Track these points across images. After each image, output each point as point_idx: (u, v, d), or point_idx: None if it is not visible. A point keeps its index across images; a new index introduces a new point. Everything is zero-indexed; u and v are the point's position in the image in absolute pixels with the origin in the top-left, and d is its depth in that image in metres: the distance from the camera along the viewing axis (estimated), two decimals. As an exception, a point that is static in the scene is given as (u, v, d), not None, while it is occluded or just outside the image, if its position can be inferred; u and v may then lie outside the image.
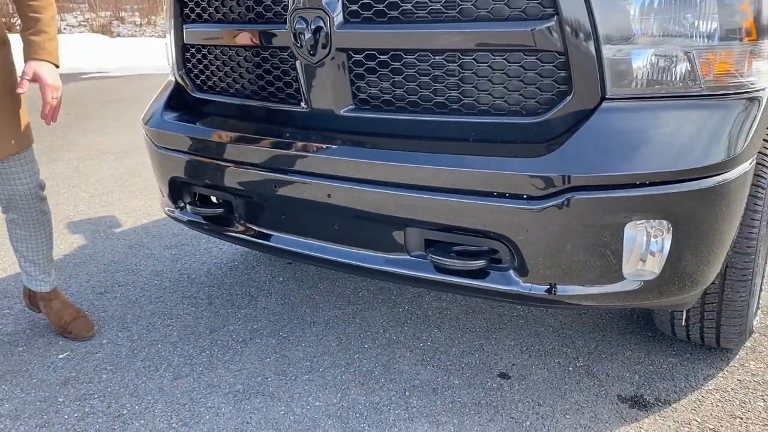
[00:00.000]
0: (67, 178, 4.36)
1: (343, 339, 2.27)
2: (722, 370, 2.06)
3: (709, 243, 1.61)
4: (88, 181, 4.29)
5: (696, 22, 1.50)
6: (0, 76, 1.98)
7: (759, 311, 2.25)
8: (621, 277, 1.57)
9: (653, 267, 1.56)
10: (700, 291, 1.73)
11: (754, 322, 2.13)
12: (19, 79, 1.97)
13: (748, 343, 2.21)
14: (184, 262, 2.97)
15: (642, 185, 1.49)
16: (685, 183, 1.51)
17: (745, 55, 1.55)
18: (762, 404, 1.89)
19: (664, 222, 1.52)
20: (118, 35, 18.39)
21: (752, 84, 1.59)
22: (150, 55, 11.55)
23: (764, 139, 1.77)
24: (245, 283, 2.74)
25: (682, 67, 1.52)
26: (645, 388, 1.97)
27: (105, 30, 18.97)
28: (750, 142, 1.59)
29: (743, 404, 1.88)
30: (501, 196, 1.54)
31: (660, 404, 1.89)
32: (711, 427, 1.79)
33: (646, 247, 1.54)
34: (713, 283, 1.84)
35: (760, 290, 2.32)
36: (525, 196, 1.52)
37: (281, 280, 2.76)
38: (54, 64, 2.00)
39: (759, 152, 1.75)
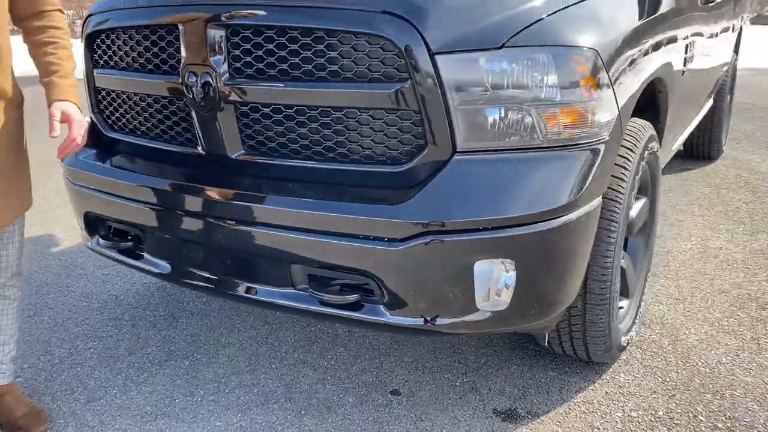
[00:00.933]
0: (9, 196, 4.43)
1: (253, 360, 2.44)
2: (594, 383, 2.27)
3: (556, 276, 1.81)
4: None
5: (538, 83, 1.69)
6: (14, 138, 1.89)
7: (634, 327, 2.46)
8: (476, 309, 1.76)
9: (503, 299, 1.75)
10: (556, 316, 1.93)
11: (626, 338, 2.34)
12: (49, 122, 1.82)
13: (623, 356, 2.43)
14: (114, 283, 3.11)
15: (488, 229, 1.68)
16: (528, 226, 1.70)
17: (583, 111, 1.75)
18: (620, 414, 2.10)
19: (510, 261, 1.71)
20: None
21: (591, 135, 1.78)
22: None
23: (617, 177, 1.98)
24: (170, 304, 2.88)
25: (526, 124, 1.71)
26: (520, 402, 2.17)
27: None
28: (591, 186, 1.79)
29: (604, 415, 2.09)
30: (366, 238, 1.72)
31: (530, 417, 2.09)
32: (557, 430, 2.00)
33: (494, 282, 1.73)
34: (575, 306, 2.04)
35: (639, 305, 2.54)
36: (386, 239, 1.70)
37: (204, 300, 2.91)
38: (77, 105, 1.93)
39: (610, 189, 1.95)
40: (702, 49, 3.24)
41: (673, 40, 2.39)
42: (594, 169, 1.79)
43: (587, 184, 1.77)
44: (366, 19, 1.66)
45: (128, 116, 2.23)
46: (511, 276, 1.72)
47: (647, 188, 2.47)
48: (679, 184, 4.69)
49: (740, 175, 4.89)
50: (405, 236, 1.68)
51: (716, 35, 3.70)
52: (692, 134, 5.18)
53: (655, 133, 2.31)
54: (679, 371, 2.33)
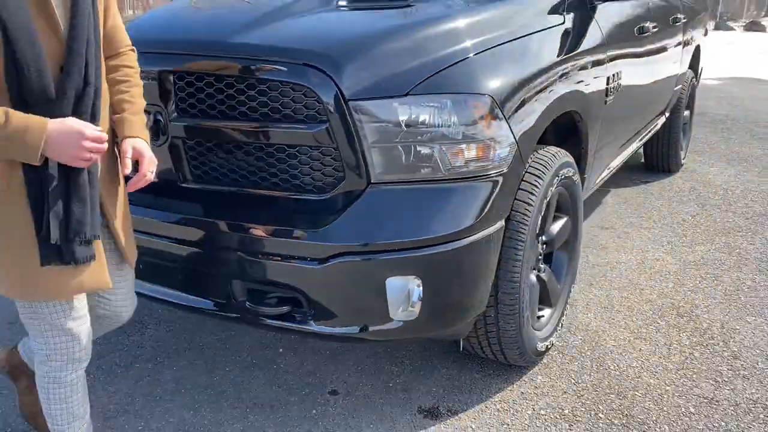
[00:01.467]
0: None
1: (210, 363, 2.70)
2: (513, 384, 2.53)
3: (461, 289, 2.07)
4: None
5: (437, 125, 1.96)
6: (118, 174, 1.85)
7: (556, 333, 2.71)
8: (390, 319, 2.03)
9: (414, 310, 2.01)
10: (466, 324, 2.20)
11: (544, 344, 2.59)
12: (121, 159, 1.78)
13: (546, 359, 2.69)
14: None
15: (397, 250, 1.94)
16: (433, 247, 1.96)
17: (481, 147, 2.01)
18: (530, 412, 2.36)
19: (418, 277, 1.97)
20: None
21: (490, 167, 2.05)
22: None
23: (523, 201, 2.25)
24: (140, 311, 3.14)
25: (429, 159, 1.98)
26: (443, 401, 2.43)
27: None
28: (491, 212, 2.05)
29: (515, 413, 2.36)
30: (293, 258, 1.99)
31: (449, 414, 2.35)
32: (473, 427, 2.26)
33: (405, 296, 1.99)
34: (489, 315, 2.30)
35: (562, 314, 2.80)
36: (309, 259, 1.96)
37: (171, 309, 3.17)
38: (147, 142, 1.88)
39: (516, 212, 2.21)
40: (637, 76, 3.51)
41: (585, 76, 2.65)
42: (493, 196, 2.05)
43: (486, 210, 2.03)
44: (290, 71, 1.93)
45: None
46: (419, 290, 1.98)
47: (568, 208, 2.73)
48: (635, 196, 4.95)
49: (694, 188, 5.15)
50: (325, 256, 1.95)
51: (658, 60, 3.96)
52: (651, 148, 5.46)
53: (570, 159, 2.57)
54: (592, 374, 2.59)
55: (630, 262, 3.70)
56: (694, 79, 5.58)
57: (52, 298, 1.68)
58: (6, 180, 1.57)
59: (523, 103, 2.13)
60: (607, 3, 2.99)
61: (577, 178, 2.67)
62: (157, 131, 2.15)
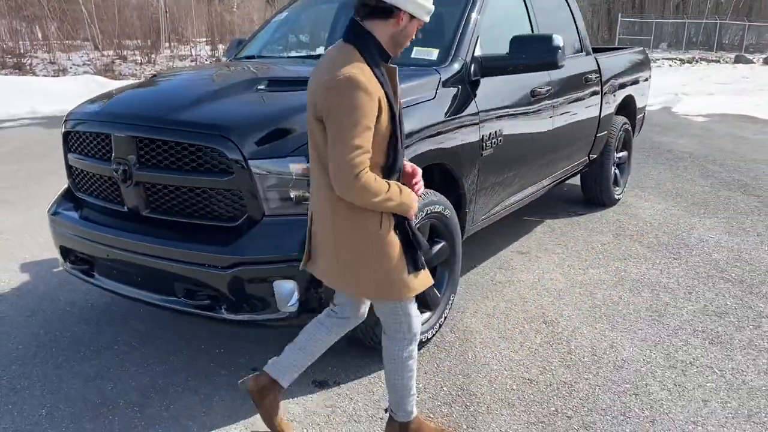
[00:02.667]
0: None
1: (172, 347, 3.60)
2: (389, 366, 3.36)
3: (330, 291, 2.94)
4: None
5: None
6: None
7: (433, 331, 3.55)
8: (278, 310, 2.91)
9: (294, 305, 2.89)
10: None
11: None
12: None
13: (422, 350, 3.52)
14: (92, 295, 4.31)
15: (278, 262, 2.83)
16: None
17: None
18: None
19: (293, 282, 2.85)
20: (120, 74, 19.86)
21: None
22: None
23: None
24: (127, 308, 4.07)
25: (292, 200, 2.86)
26: (332, 376, 3.28)
27: (108, 69, 20.35)
28: (352, 237, 2.93)
29: (378, 384, 3.19)
30: (210, 266, 2.89)
31: (334, 384, 3.21)
32: (348, 394, 3.11)
33: (287, 294, 2.87)
34: (363, 313, 3.16)
35: (441, 316, 3.63)
36: (220, 267, 2.86)
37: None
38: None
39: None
40: (529, 130, 4.36)
41: (452, 136, 3.53)
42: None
43: (346, 235, 2.90)
44: (210, 139, 2.85)
45: (85, 184, 3.45)
46: (297, 291, 2.86)
47: (444, 235, 3.58)
48: (562, 226, 5.76)
49: (618, 220, 5.93)
50: (229, 265, 2.84)
51: (561, 115, 4.80)
52: (586, 184, 6.27)
53: (437, 198, 3.41)
54: (452, 361, 3.43)
55: (528, 280, 4.51)
56: (627, 125, 6.36)
57: (412, 295, 2.42)
58: (385, 224, 2.29)
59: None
60: (490, 77, 3.87)
61: (448, 212, 3.51)
62: (125, 177, 3.08)
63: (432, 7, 2.32)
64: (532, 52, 3.73)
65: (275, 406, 2.76)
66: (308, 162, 2.48)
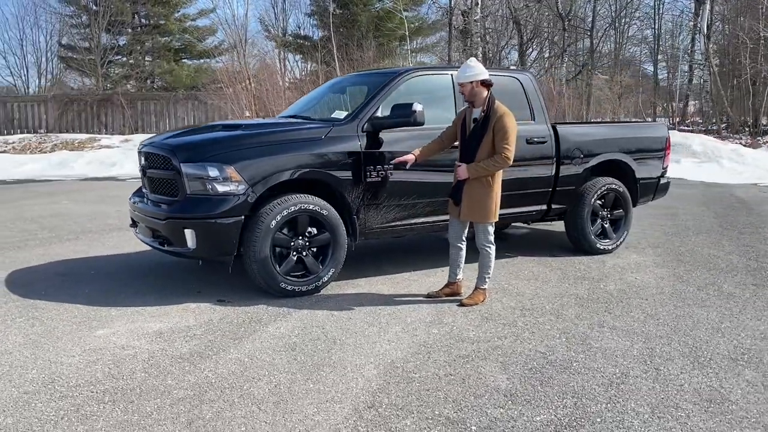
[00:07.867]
0: None
1: (159, 288, 6.09)
2: (269, 295, 5.44)
3: (216, 241, 5.21)
4: None
5: (213, 174, 5.22)
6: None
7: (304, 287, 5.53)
8: (189, 247, 5.26)
9: (192, 243, 5.22)
10: (229, 257, 5.32)
11: (284, 286, 5.47)
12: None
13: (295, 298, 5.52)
14: (130, 256, 7.02)
15: (188, 218, 5.21)
16: (203, 219, 5.18)
17: (232, 184, 5.22)
18: (264, 305, 5.28)
19: (193, 230, 5.19)
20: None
21: (235, 193, 5.21)
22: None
23: (262, 213, 5.31)
24: (150, 265, 6.68)
25: (207, 187, 5.22)
26: (229, 295, 5.46)
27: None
28: (231, 211, 5.21)
29: (265, 305, 5.28)
30: (158, 219, 5.39)
31: (230, 303, 5.39)
32: (238, 309, 5.27)
33: (191, 237, 5.22)
34: (247, 256, 5.37)
35: (332, 276, 5.60)
36: (162, 219, 5.34)
37: (167, 263, 6.64)
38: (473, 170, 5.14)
39: (255, 215, 5.30)
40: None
41: (331, 164, 5.59)
42: (234, 205, 5.18)
43: (228, 210, 5.18)
44: (168, 154, 5.40)
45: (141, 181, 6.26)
46: (194, 235, 5.19)
47: (327, 227, 5.57)
48: (534, 267, 6.85)
49: (589, 266, 6.53)
50: (165, 218, 5.31)
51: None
52: (566, 229, 7.37)
53: (316, 200, 5.47)
54: (306, 311, 5.37)
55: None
56: (616, 186, 7.25)
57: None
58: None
59: (257, 171, 5.23)
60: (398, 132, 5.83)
61: (326, 212, 5.50)
62: (144, 172, 5.77)
63: (460, 80, 5.14)
64: (400, 113, 5.62)
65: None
66: (223, 167, 4.93)
